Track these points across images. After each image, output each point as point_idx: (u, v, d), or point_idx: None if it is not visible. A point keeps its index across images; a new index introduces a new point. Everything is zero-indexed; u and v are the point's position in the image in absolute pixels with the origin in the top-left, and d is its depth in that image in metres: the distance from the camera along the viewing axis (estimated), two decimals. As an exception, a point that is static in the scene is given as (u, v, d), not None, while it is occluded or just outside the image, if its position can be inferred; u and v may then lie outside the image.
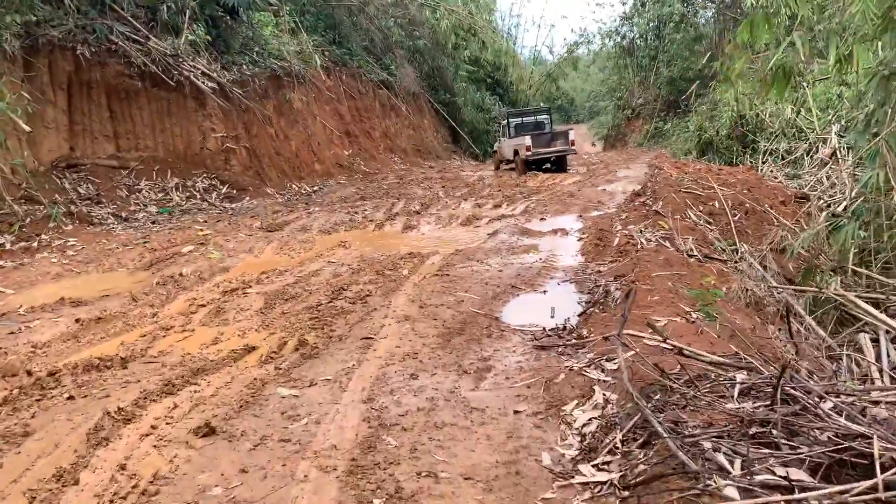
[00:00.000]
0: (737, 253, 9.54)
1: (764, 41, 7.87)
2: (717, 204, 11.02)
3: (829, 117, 19.53)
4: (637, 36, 51.14)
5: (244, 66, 16.08)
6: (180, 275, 8.34)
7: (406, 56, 26.56)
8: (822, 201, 13.75)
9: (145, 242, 10.24)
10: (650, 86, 49.57)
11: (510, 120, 21.96)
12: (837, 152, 16.75)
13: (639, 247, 8.32)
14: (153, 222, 11.84)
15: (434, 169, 23.08)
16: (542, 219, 11.46)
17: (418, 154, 25.76)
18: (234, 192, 14.13)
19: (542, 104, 43.68)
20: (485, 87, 35.23)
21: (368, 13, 23.92)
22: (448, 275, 7.73)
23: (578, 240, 9.51)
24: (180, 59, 13.35)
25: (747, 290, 7.71)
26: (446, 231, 10.85)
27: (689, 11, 40.91)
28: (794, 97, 22.08)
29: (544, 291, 7.09)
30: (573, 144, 21.01)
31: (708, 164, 20.15)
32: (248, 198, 14.20)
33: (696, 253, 8.56)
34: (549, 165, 21.00)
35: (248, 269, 8.53)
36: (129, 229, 11.29)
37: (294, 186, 16.09)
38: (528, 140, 19.59)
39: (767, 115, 22.32)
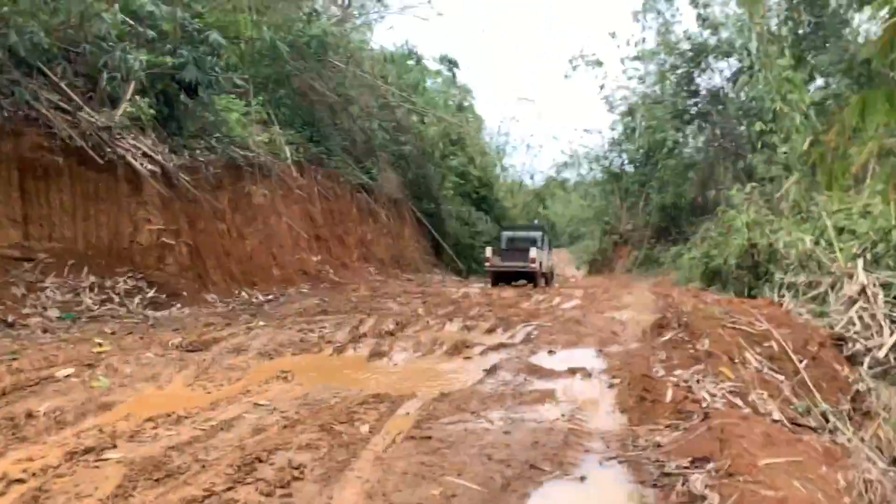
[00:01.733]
0: (826, 419, 7.05)
1: (879, 124, 5.97)
2: (774, 346, 8.62)
3: (854, 249, 17.55)
4: (626, 161, 50.96)
5: (198, 151, 13.91)
6: (30, 414, 5.55)
7: (389, 161, 24.86)
8: (859, 345, 11.51)
9: (13, 359, 7.44)
10: (639, 212, 48.75)
11: (503, 234, 22.73)
12: (867, 289, 14.63)
13: (704, 405, 5.77)
14: (45, 331, 9.08)
15: (413, 282, 20.68)
16: (551, 351, 8.90)
17: (397, 265, 23.46)
18: (165, 296, 11.47)
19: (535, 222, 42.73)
20: (470, 202, 33.68)
21: (352, 113, 22.35)
22: (430, 437, 5.06)
23: (609, 386, 6.93)
24: (117, 135, 11.11)
25: (869, 481, 5.21)
26: (427, 362, 8.22)
27: (681, 138, 40.44)
28: (812, 227, 20.41)
29: (582, 478, 4.43)
30: (533, 262, 21.13)
31: (722, 297, 17.95)
32: (179, 305, 11.51)
33: (780, 417, 6.06)
34: (523, 281, 21.40)
35: (137, 410, 5.78)
36: (6, 339, 8.51)
37: (243, 294, 13.49)
38: (488, 252, 21.54)
39: (782, 245, 20.41)
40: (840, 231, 19.32)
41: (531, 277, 21.25)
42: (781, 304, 16.53)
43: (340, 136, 22.81)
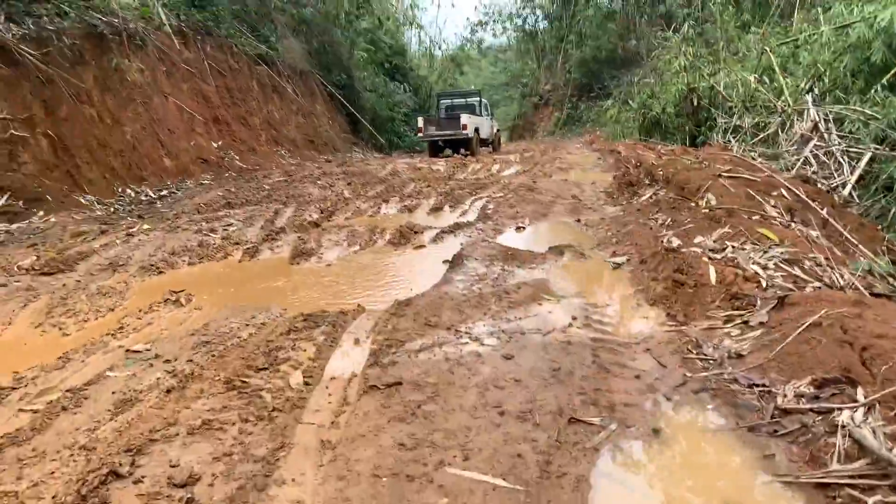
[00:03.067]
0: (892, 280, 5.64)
1: None
2: (787, 196, 7.18)
3: (802, 84, 16.28)
4: (541, 18, 48.20)
5: (45, 19, 10.83)
6: None
7: (290, 26, 21.57)
8: (821, 185, 10.40)
9: None
10: (557, 71, 46.70)
11: (440, 102, 22.25)
12: (819, 125, 13.45)
13: (764, 284, 4.20)
14: None
15: (333, 163, 18.36)
16: (519, 227, 7.17)
17: (311, 146, 20.90)
18: (21, 203, 8.95)
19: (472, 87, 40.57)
20: (384, 72, 30.70)
21: (238, -31, 18.88)
22: (400, 383, 3.28)
23: (616, 267, 5.28)
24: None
25: None
26: (368, 257, 6.33)
27: (600, -15, 37.87)
28: (753, 64, 19.04)
29: (655, 431, 2.77)
30: (465, 129, 20.03)
31: (673, 147, 16.65)
32: (43, 213, 9.03)
33: (860, 287, 4.60)
34: (463, 151, 20.62)
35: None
36: None
37: (129, 191, 10.99)
38: (420, 122, 20.57)
39: (723, 87, 19.00)
40: (783, 67, 18.07)
41: (467, 144, 20.38)
42: (730, 150, 15.37)
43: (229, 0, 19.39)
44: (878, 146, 10.75)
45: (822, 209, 6.69)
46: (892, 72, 12.29)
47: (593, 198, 9.69)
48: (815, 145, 12.95)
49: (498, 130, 25.74)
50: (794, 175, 10.65)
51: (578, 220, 7.21)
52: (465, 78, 50.66)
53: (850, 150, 10.56)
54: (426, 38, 46.50)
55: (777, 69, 17.38)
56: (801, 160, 12.45)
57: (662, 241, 5.43)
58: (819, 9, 20.42)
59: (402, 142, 27.73)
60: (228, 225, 8.00)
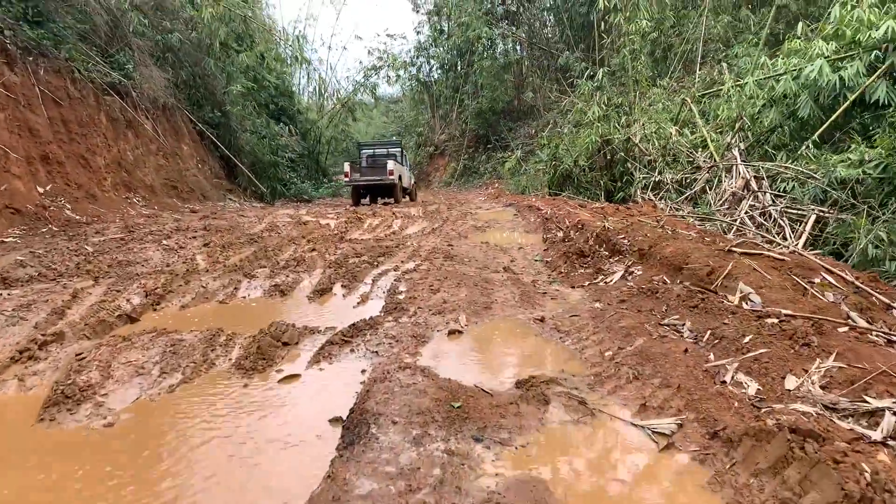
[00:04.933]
0: None
1: None
2: (830, 280, 5.06)
3: (730, 138, 15.00)
4: (435, 67, 46.76)
5: None
6: None
7: (152, 53, 18.28)
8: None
9: None
10: (453, 120, 45.24)
11: (361, 151, 22.76)
12: (751, 183, 12.04)
13: None
14: None
15: (197, 214, 15.16)
16: (453, 332, 4.52)
17: (174, 193, 17.50)
18: None
19: (347, 137, 40.30)
20: (268, 113, 27.69)
21: (86, -19, 15.59)
22: None
23: (662, 448, 2.76)
24: None
25: None
26: (190, 404, 3.49)
27: (496, 36, 36.81)
28: (671, 114, 17.76)
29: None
30: (392, 174, 20.28)
31: (600, 205, 14.86)
32: None
33: None
34: (389, 199, 21.42)
35: None
36: None
37: None
38: (346, 167, 20.55)
39: (639, 140, 17.57)
40: (704, 117, 16.85)
41: (390, 191, 20.88)
42: (659, 208, 13.71)
43: (73, 16, 15.99)
44: (819, 207, 9.31)
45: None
46: (822, 127, 11.04)
47: (531, 271, 7.30)
48: (750, 205, 11.44)
49: (415, 182, 26.31)
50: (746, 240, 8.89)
51: (542, 319, 4.69)
52: (357, 126, 48.41)
53: (789, 210, 9.47)
54: (315, 76, 43.65)
55: (699, 121, 16.07)
56: (738, 221, 10.88)
57: (727, 384, 3.00)
58: (724, 64, 19.69)
59: (286, 190, 24.64)
60: (-21, 321, 4.89)
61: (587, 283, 6.06)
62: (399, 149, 23.25)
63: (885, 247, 6.49)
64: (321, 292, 5.82)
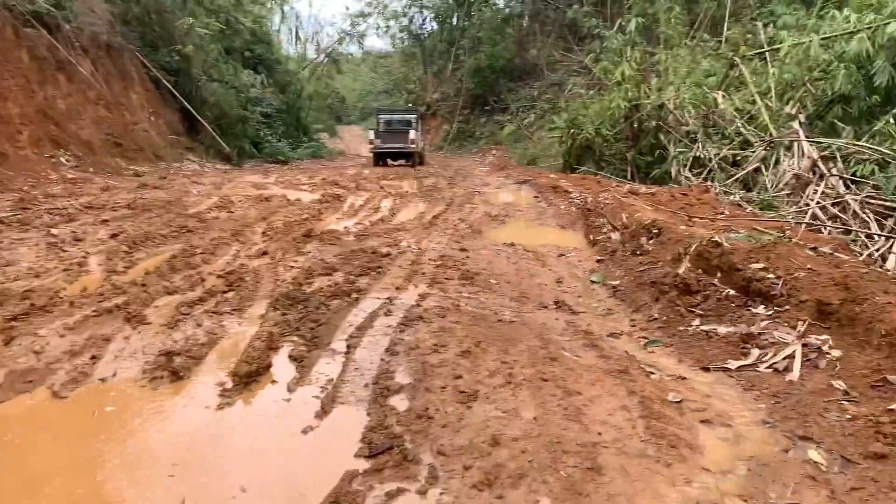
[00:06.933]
0: None
1: None
2: None
3: (789, 108, 12.30)
4: (429, 19, 43.27)
5: None
6: None
7: (92, -21, 15.01)
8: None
9: None
10: (447, 79, 41.93)
11: (380, 117, 23.43)
12: (819, 164, 9.50)
13: None
14: None
15: (139, 180, 12.20)
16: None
17: (118, 151, 14.33)
18: None
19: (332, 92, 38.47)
20: (242, 62, 24.47)
21: None
22: None
23: None
24: None
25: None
26: None
27: (497, -15, 33.38)
28: (717, 81, 14.83)
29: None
30: (413, 143, 21.65)
31: (647, 188, 12.22)
32: None
33: None
34: (403, 161, 22.34)
35: None
36: None
37: None
38: (370, 134, 22.88)
39: (673, 106, 14.80)
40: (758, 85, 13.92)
41: (410, 157, 22.21)
42: (708, 190, 11.12)
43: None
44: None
45: None
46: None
47: (594, 304, 4.62)
48: (821, 192, 8.93)
49: (424, 146, 26.80)
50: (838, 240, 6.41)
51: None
52: (343, 80, 45.04)
53: (870, 200, 7.50)
54: (295, 19, 39.92)
55: (752, 87, 13.24)
56: (809, 214, 8.34)
57: None
58: (759, 23, 16.67)
59: (258, 151, 21.53)
60: None
61: (731, 362, 3.35)
62: (415, 115, 24.28)
63: None
64: (247, 379, 3.05)
